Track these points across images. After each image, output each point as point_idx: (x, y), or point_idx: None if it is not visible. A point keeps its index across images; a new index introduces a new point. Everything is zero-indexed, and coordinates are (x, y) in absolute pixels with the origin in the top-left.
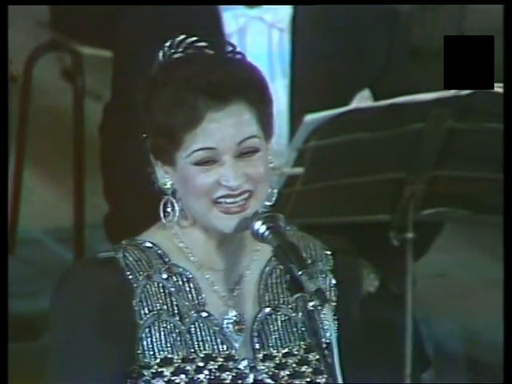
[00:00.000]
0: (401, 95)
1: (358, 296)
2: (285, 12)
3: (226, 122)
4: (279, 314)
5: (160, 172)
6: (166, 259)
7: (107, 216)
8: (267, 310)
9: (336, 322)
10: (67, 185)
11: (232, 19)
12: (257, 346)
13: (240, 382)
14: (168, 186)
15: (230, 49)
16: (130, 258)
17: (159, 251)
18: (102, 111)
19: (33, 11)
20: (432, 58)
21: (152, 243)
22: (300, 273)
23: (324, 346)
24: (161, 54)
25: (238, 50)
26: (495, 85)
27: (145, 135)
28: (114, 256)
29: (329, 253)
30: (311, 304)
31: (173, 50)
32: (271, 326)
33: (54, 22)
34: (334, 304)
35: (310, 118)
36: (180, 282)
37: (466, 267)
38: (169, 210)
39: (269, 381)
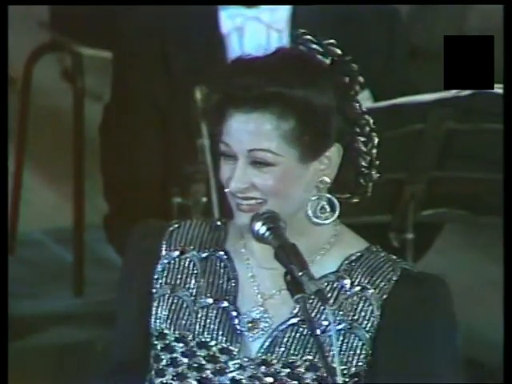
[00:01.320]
0: (401, 95)
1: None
2: (282, 12)
3: (244, 126)
4: (304, 327)
5: None
6: (221, 242)
7: (107, 217)
8: (294, 320)
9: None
10: (67, 185)
11: (229, 19)
12: (263, 349)
13: (217, 373)
14: None
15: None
16: (181, 231)
17: (223, 232)
18: (101, 111)
19: (33, 11)
20: (432, 58)
21: (223, 223)
22: (300, 273)
23: (325, 346)
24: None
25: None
26: (495, 85)
27: None
28: (169, 225)
29: (393, 282)
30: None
31: (296, 42)
32: (287, 336)
33: (54, 22)
34: (370, 332)
35: None
36: (217, 267)
37: (465, 268)
38: None
39: (245, 382)
